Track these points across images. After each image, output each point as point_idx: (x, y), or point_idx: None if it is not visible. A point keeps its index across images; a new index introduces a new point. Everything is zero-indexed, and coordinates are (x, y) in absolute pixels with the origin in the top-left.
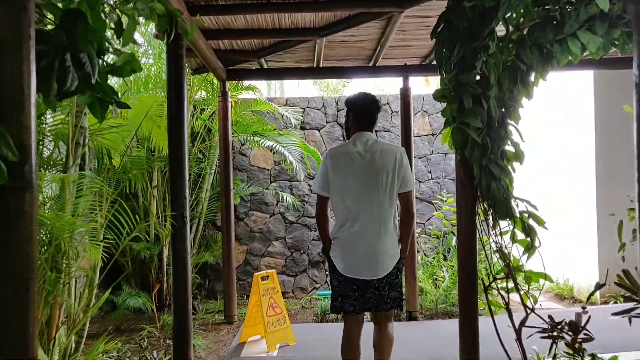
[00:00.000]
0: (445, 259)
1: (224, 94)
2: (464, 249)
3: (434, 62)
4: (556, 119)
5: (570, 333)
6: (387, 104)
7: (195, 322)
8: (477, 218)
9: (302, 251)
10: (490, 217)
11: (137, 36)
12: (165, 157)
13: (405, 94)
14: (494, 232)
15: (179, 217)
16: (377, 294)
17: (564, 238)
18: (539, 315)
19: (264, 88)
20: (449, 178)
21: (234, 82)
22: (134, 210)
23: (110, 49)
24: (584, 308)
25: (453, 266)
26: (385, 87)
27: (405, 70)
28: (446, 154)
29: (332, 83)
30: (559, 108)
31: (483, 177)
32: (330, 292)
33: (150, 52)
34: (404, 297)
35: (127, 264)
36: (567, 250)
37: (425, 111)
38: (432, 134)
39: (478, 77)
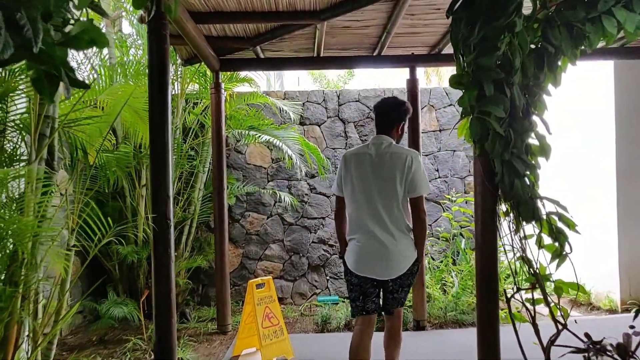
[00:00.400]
0: (454, 263)
1: (217, 85)
2: (483, 256)
3: (444, 52)
4: (572, 108)
5: (617, 358)
6: None
7: (187, 331)
8: (498, 220)
9: (301, 254)
10: (513, 219)
11: (125, 27)
12: None
13: (412, 86)
14: (517, 236)
15: (160, 219)
16: (389, 297)
17: (580, 238)
18: (572, 332)
19: (263, 84)
20: (457, 176)
21: (228, 73)
22: (121, 211)
23: (71, 19)
24: (632, 327)
25: (462, 271)
26: (384, 82)
27: (412, 60)
28: (454, 150)
29: (332, 80)
30: (574, 97)
31: (506, 174)
32: (331, 297)
33: (140, 42)
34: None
35: (114, 269)
36: (583, 252)
37: (432, 106)
38: (440, 130)
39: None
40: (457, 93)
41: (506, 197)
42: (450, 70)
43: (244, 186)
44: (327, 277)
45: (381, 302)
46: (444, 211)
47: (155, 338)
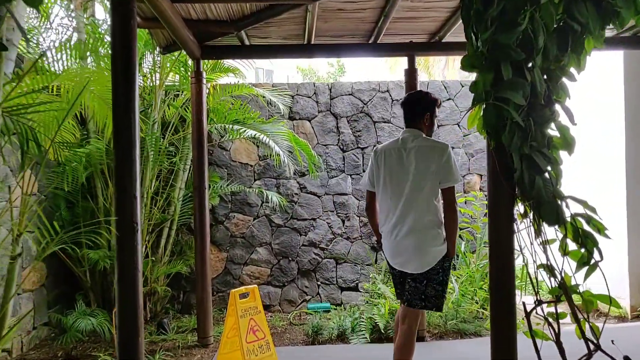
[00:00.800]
0: (453, 267)
1: (198, 74)
2: (498, 266)
3: (445, 39)
4: (575, 102)
5: None
6: (387, 91)
7: (164, 344)
8: (515, 221)
9: (290, 258)
10: (533, 221)
11: (98, 11)
12: None
13: (410, 77)
14: (537, 241)
15: (126, 222)
16: (413, 286)
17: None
18: (607, 354)
19: (251, 77)
20: None
21: (211, 63)
22: (93, 212)
23: None
24: None
25: (462, 275)
26: (374, 75)
27: (410, 49)
28: (453, 147)
29: (322, 77)
30: (579, 90)
31: (525, 170)
32: (322, 304)
33: None
34: (444, 298)
35: (85, 276)
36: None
37: None
38: (438, 126)
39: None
40: (455, 87)
41: (526, 197)
42: (441, 66)
43: (228, 185)
44: (318, 283)
45: (402, 294)
46: None
47: None
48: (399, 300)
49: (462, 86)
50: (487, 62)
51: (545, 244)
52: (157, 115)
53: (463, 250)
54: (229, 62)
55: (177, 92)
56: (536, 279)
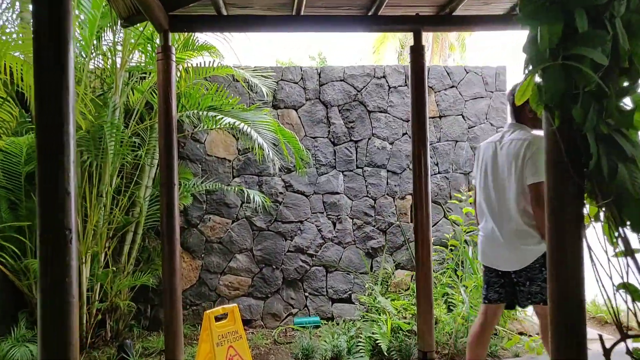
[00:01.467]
0: (458, 276)
1: (166, 49)
2: (560, 288)
3: (456, 12)
4: None
5: None
6: (384, 76)
7: None
8: (584, 226)
9: (274, 266)
10: (608, 225)
11: None
12: (83, 138)
13: (416, 56)
14: (611, 250)
15: (53, 231)
16: (515, 288)
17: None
18: None
19: (230, 58)
20: (460, 172)
21: (182, 39)
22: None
23: None
24: None
25: (467, 287)
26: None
27: (417, 23)
28: (456, 141)
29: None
30: None
31: (603, 157)
32: (311, 319)
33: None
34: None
35: (29, 290)
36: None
37: (430, 87)
38: (440, 116)
39: None
40: (459, 73)
41: (601, 191)
42: (431, 52)
43: (202, 183)
44: (306, 294)
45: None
46: (444, 213)
47: None
48: (489, 302)
49: (467, 72)
50: (553, 10)
51: (628, 255)
52: (118, 100)
53: (471, 256)
54: (204, 39)
55: (144, 74)
56: (615, 302)
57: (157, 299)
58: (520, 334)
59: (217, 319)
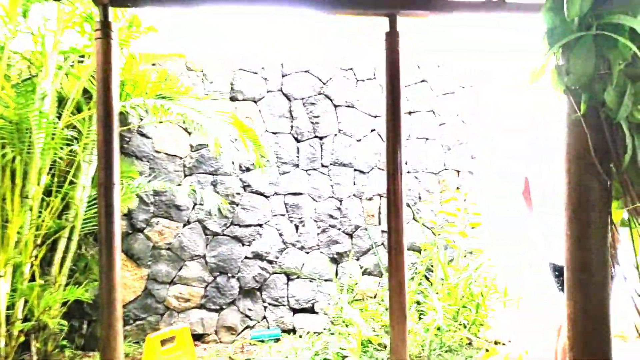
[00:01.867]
0: (431, 283)
1: (105, 26)
2: (585, 305)
3: None
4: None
5: None
6: (351, 69)
7: None
8: (611, 235)
9: (229, 275)
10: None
11: None
12: (4, 129)
13: (391, 42)
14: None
15: None
16: None
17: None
18: None
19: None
20: (429, 172)
21: (127, 20)
22: None
23: None
24: None
25: (438, 293)
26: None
27: (392, 6)
28: (427, 138)
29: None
30: None
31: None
32: (270, 332)
33: None
34: None
35: None
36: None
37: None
38: (410, 112)
39: None
40: (430, 67)
41: (635, 190)
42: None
43: (149, 182)
44: (265, 305)
45: None
46: (413, 215)
47: None
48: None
49: (438, 66)
50: None
51: None
52: (49, 87)
53: (443, 260)
54: (150, 16)
55: (81, 58)
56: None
57: (95, 313)
58: (496, 343)
59: (164, 343)
